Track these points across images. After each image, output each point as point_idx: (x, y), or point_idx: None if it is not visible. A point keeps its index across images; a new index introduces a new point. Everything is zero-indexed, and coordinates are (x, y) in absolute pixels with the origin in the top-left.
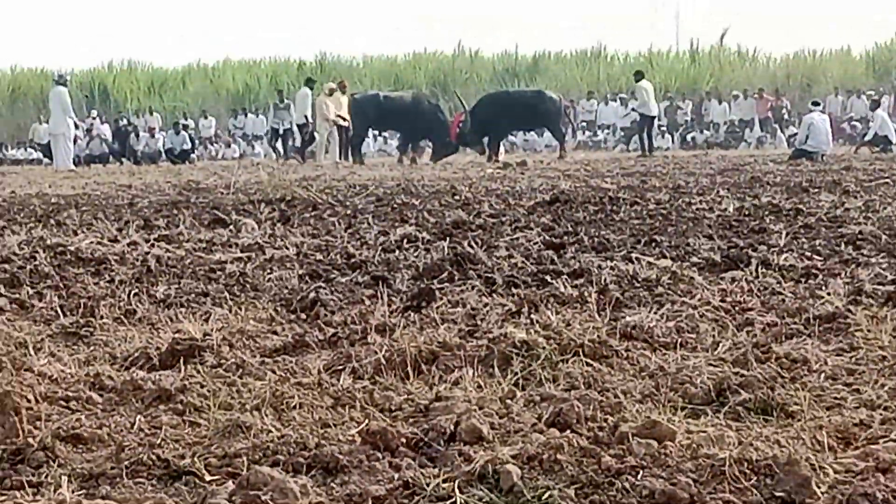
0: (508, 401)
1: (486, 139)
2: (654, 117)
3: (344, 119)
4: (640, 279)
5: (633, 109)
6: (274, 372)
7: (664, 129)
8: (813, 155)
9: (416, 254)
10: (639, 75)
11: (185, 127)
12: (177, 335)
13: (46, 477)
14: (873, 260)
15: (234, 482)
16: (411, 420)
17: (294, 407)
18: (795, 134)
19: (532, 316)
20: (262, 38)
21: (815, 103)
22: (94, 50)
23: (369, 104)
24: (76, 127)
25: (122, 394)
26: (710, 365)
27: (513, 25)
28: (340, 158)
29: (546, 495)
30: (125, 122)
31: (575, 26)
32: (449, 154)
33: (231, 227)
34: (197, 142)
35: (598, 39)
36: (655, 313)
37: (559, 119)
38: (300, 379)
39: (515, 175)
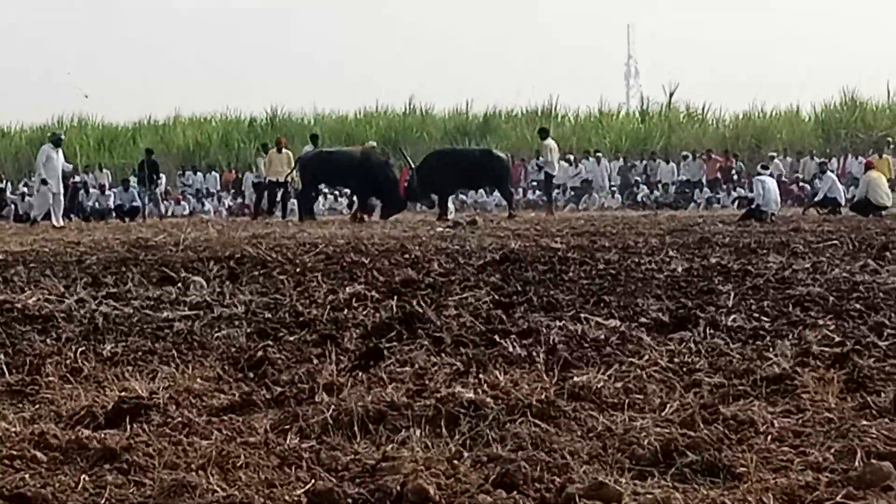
0: (455, 461)
1: (434, 195)
2: (553, 176)
3: (281, 177)
4: (588, 339)
5: (537, 167)
6: (220, 431)
7: (614, 189)
8: (762, 215)
9: (364, 312)
10: (544, 133)
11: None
12: (123, 393)
13: None
14: (821, 322)
15: None
16: (358, 480)
17: (240, 467)
18: (744, 196)
19: (480, 376)
20: (212, 95)
21: (765, 167)
22: (44, 105)
23: (316, 161)
24: (44, 183)
25: (67, 453)
26: (658, 426)
27: (464, 83)
28: (283, 216)
29: None
30: (74, 178)
31: (526, 85)
32: (398, 211)
33: (179, 284)
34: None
35: (548, 98)
36: (603, 374)
37: (507, 178)
38: (246, 438)
39: (465, 234)
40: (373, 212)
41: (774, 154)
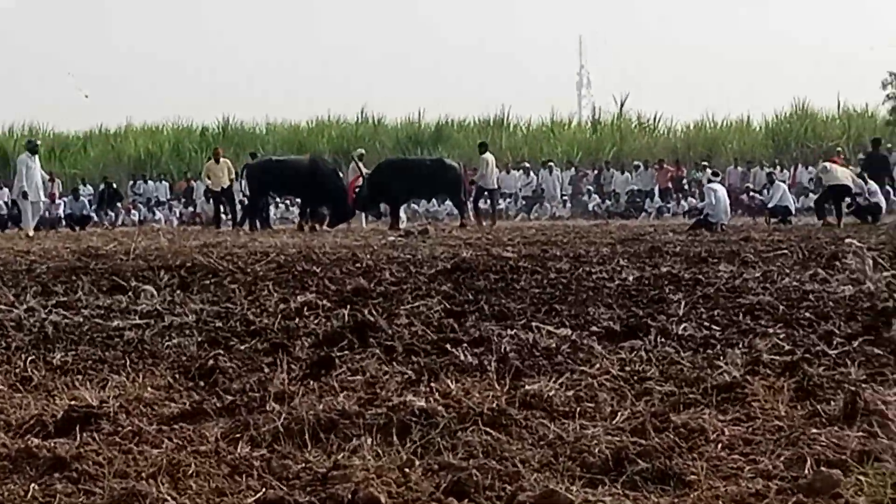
0: (407, 469)
1: (383, 205)
2: (491, 190)
3: (218, 187)
4: (539, 348)
5: (471, 182)
6: (171, 440)
7: (565, 198)
8: (713, 225)
9: (316, 321)
10: (483, 147)
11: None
12: (73, 402)
13: None
14: (771, 330)
15: None
16: (309, 489)
17: (191, 475)
18: (695, 207)
19: (432, 384)
20: (163, 103)
21: (715, 174)
22: None
23: (263, 169)
24: (24, 196)
25: (17, 462)
26: (609, 434)
27: (416, 92)
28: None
29: None
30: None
31: (477, 93)
32: (347, 219)
33: (130, 293)
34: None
35: (500, 108)
36: (555, 382)
37: (459, 187)
38: (197, 447)
39: (417, 243)
40: (324, 221)
41: (706, 164)
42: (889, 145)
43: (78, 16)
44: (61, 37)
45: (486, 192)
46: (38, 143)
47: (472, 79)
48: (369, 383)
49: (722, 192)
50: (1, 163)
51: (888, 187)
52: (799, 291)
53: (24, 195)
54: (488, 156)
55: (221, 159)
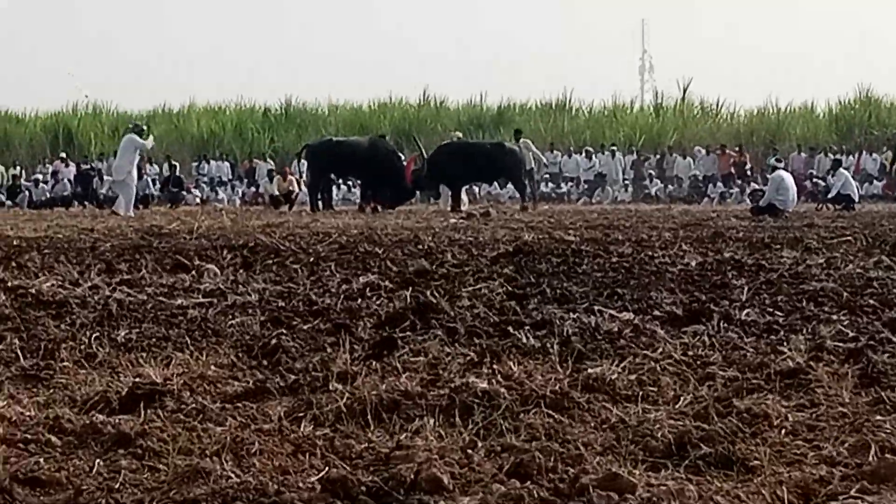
0: (469, 451)
1: (442, 187)
2: (530, 171)
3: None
4: (602, 331)
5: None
6: (234, 418)
7: (626, 182)
8: (780, 212)
9: (378, 302)
10: (518, 134)
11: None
12: (137, 379)
13: None
14: (834, 317)
15: None
16: (371, 468)
17: (254, 453)
18: (756, 190)
19: (494, 366)
20: (226, 84)
21: (778, 160)
22: (59, 92)
23: (323, 150)
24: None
25: (82, 437)
26: (672, 418)
27: (479, 74)
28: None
29: None
30: (88, 165)
31: (541, 77)
32: (406, 199)
33: (193, 272)
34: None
35: (563, 91)
36: (617, 366)
37: (520, 171)
38: (260, 425)
39: (479, 225)
40: (387, 202)
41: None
42: None
43: None
44: (123, 16)
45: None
46: (144, 127)
47: (535, 62)
48: (431, 364)
49: (789, 178)
50: (65, 140)
51: None
52: (863, 278)
53: (128, 177)
54: (526, 141)
55: None
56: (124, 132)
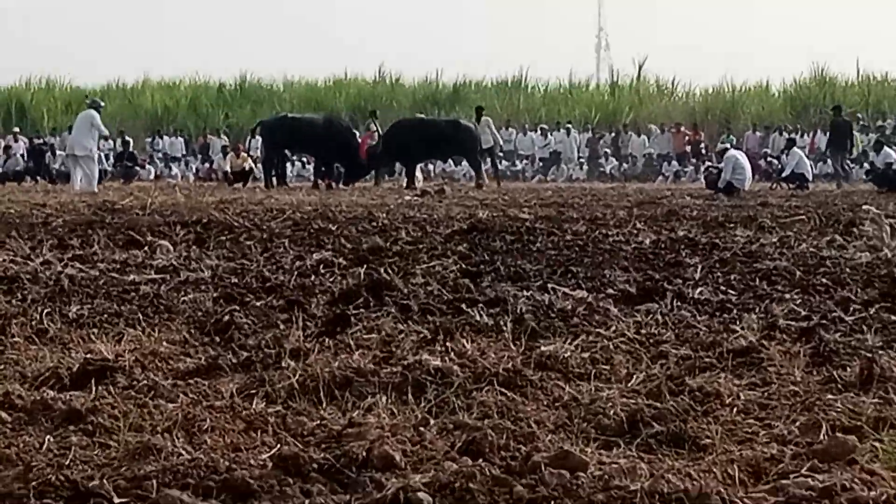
0: (422, 428)
1: (397, 164)
2: (490, 149)
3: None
4: (555, 309)
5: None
6: (186, 394)
7: (582, 160)
8: (735, 191)
9: (332, 279)
10: (479, 111)
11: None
12: (88, 355)
13: None
14: (787, 296)
15: None
16: (324, 446)
17: (206, 430)
18: (711, 166)
19: (447, 344)
20: (181, 59)
21: (730, 141)
22: (12, 67)
23: (278, 126)
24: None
25: (32, 413)
26: (624, 396)
27: (434, 52)
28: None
29: None
30: (41, 140)
31: (496, 54)
32: (361, 176)
33: (146, 248)
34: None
35: (518, 69)
36: (570, 344)
37: (475, 148)
38: (212, 402)
39: (433, 203)
40: (339, 179)
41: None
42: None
43: None
44: None
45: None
46: (102, 104)
47: (491, 40)
48: (384, 342)
49: (743, 157)
50: (18, 115)
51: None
52: (816, 257)
53: (91, 152)
54: (486, 118)
55: None
56: (86, 108)
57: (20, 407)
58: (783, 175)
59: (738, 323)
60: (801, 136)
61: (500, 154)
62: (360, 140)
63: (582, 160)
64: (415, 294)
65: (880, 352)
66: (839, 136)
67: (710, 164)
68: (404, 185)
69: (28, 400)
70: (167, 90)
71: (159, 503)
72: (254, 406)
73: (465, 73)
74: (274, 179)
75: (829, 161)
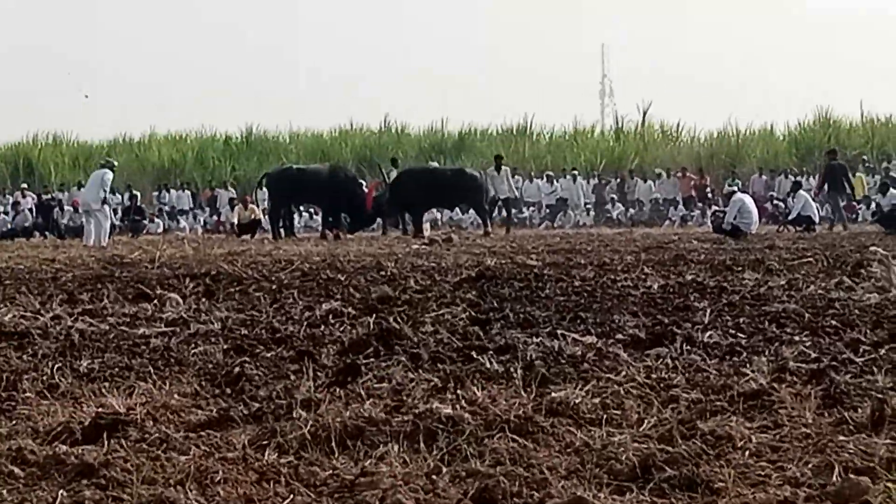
0: (434, 476)
1: (405, 213)
2: (507, 199)
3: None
4: (565, 355)
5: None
6: (198, 447)
7: (588, 206)
8: (741, 234)
9: (341, 329)
10: (499, 160)
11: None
12: (100, 409)
13: None
14: (797, 338)
15: None
16: (336, 496)
17: (218, 482)
18: (718, 211)
19: (458, 391)
20: (187, 112)
21: (735, 184)
22: (19, 123)
23: (283, 178)
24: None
25: (45, 468)
26: (636, 441)
27: (439, 101)
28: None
29: None
30: (49, 196)
31: (501, 102)
32: (367, 225)
33: (155, 301)
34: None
35: (523, 116)
36: (581, 389)
37: (481, 196)
38: (224, 454)
39: (441, 251)
40: (346, 229)
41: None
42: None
43: (99, 21)
44: (84, 45)
45: (500, 202)
46: (115, 163)
47: (495, 88)
48: (395, 390)
49: (749, 200)
50: (25, 171)
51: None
52: (824, 299)
53: (104, 202)
54: (506, 168)
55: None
56: (100, 167)
57: (33, 462)
58: (790, 218)
59: (748, 366)
60: (807, 178)
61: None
62: (366, 189)
63: (588, 206)
64: (424, 342)
65: (891, 392)
66: (835, 178)
67: (716, 207)
68: (411, 234)
69: (40, 455)
70: (174, 143)
71: None
72: (266, 457)
73: (470, 121)
74: (282, 231)
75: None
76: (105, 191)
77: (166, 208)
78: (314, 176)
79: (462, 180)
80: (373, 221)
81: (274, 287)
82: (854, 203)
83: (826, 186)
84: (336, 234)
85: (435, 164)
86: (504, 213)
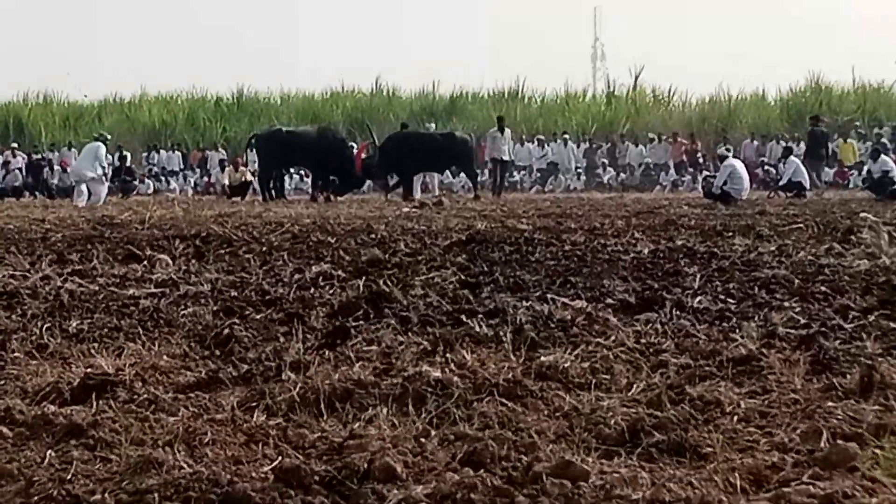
0: (423, 439)
1: (392, 177)
2: (504, 161)
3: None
4: (555, 320)
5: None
6: (187, 408)
7: (579, 170)
8: (732, 199)
9: (331, 291)
10: (501, 121)
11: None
12: (89, 370)
13: None
14: (786, 304)
15: None
16: (325, 458)
17: (207, 443)
18: (709, 176)
19: (447, 355)
20: (178, 73)
21: (728, 149)
22: (9, 83)
23: (272, 140)
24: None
25: (33, 428)
26: (624, 406)
27: (431, 63)
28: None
29: None
30: (39, 156)
31: (493, 65)
32: (355, 188)
33: (145, 262)
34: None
35: (515, 80)
36: (570, 354)
37: (471, 159)
38: (213, 415)
39: (431, 214)
40: (335, 191)
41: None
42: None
43: None
44: (74, 5)
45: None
46: (108, 137)
47: (487, 51)
48: (384, 353)
49: (741, 166)
50: (16, 130)
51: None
52: (814, 265)
53: (98, 176)
54: (509, 130)
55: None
56: (93, 139)
57: (21, 422)
58: (780, 184)
59: (737, 331)
60: (798, 144)
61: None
62: (355, 152)
63: (579, 170)
64: (414, 306)
65: (880, 359)
66: (816, 145)
67: (707, 173)
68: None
69: (29, 415)
70: (164, 104)
71: None
72: (254, 419)
73: (461, 84)
74: (273, 192)
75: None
76: (102, 166)
77: (156, 169)
78: (303, 138)
79: (452, 144)
80: (362, 184)
81: (264, 249)
82: (845, 170)
83: (806, 152)
84: (326, 196)
85: (433, 126)
86: (498, 175)
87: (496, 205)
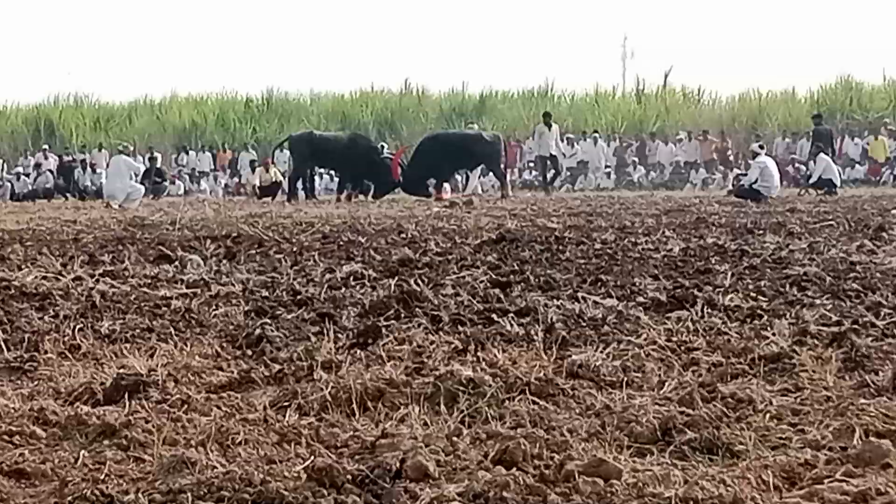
0: (454, 438)
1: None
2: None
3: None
4: (586, 318)
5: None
6: (219, 408)
7: (609, 169)
8: (762, 197)
9: (362, 291)
10: (547, 118)
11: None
12: (121, 370)
13: None
14: (818, 301)
15: None
16: (357, 457)
17: (239, 443)
18: (740, 174)
19: (478, 354)
20: (208, 74)
21: (761, 146)
22: (40, 84)
23: (306, 142)
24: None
25: (66, 429)
26: (656, 404)
27: (461, 62)
28: None
29: None
30: (70, 157)
31: (522, 64)
32: (388, 191)
33: (176, 263)
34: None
35: (545, 79)
36: (602, 352)
37: (499, 159)
38: (245, 415)
39: (462, 214)
40: (367, 193)
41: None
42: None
43: None
44: (105, 6)
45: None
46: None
47: (516, 50)
48: (416, 353)
49: (773, 164)
50: (47, 132)
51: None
52: (846, 262)
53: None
54: (556, 127)
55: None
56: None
57: (54, 422)
58: (811, 181)
59: (769, 329)
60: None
61: (531, 164)
62: (391, 155)
63: (609, 169)
64: (445, 305)
65: None
66: (821, 143)
67: (738, 171)
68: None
69: (62, 415)
70: (195, 105)
71: None
72: (287, 418)
73: (491, 84)
74: (302, 193)
75: (857, 167)
76: (135, 175)
77: (186, 170)
78: (333, 143)
79: (478, 144)
80: (395, 187)
81: (295, 249)
82: (878, 166)
83: (811, 150)
84: (348, 195)
85: (475, 126)
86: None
87: (526, 203)
